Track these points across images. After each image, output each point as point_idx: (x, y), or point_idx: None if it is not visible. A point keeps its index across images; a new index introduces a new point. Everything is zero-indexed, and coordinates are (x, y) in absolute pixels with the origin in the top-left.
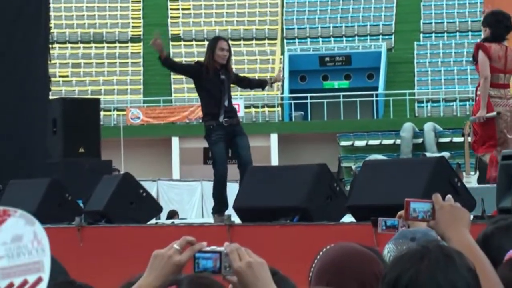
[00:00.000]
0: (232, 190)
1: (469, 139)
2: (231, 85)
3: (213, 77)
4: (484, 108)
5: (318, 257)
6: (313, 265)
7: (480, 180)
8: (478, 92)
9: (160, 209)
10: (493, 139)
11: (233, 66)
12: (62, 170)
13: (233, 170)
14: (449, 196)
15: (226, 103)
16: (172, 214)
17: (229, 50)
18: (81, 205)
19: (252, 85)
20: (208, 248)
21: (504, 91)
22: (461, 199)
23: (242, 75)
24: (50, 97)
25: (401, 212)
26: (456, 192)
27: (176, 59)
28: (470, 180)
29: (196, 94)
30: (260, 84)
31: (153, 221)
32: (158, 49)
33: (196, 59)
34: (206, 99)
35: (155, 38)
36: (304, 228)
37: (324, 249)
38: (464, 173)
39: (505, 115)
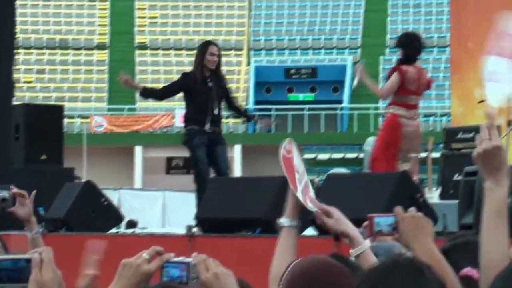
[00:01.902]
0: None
1: (432, 154)
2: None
3: (201, 86)
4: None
5: (288, 269)
6: (283, 276)
7: (442, 196)
8: (390, 110)
9: (121, 218)
10: (394, 147)
11: None
12: (23, 176)
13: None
14: (411, 208)
15: (216, 111)
16: (132, 224)
17: (219, 56)
18: (42, 212)
19: (233, 109)
20: (176, 259)
21: (414, 111)
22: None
23: (234, 96)
24: (14, 103)
25: (366, 223)
26: (418, 207)
27: (141, 68)
28: (432, 195)
29: (161, 103)
30: (241, 113)
31: (114, 230)
32: (131, 86)
33: (162, 68)
34: (193, 106)
35: (121, 78)
36: (266, 240)
37: (295, 261)
38: (426, 189)
39: (409, 136)
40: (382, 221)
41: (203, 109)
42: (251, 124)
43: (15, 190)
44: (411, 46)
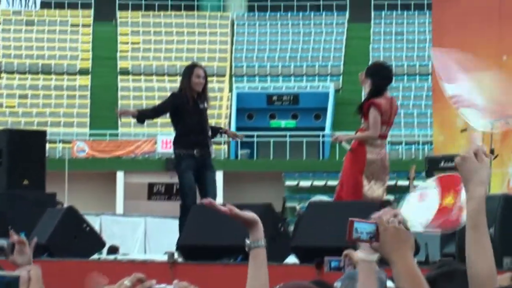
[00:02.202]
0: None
1: (414, 182)
2: None
3: (193, 106)
4: (348, 139)
5: None
6: None
7: None
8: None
9: (103, 244)
10: (360, 182)
11: None
12: (5, 202)
13: (175, 207)
14: (392, 219)
15: (209, 133)
16: (113, 250)
17: (205, 78)
18: (24, 237)
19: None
20: (158, 286)
21: (382, 141)
22: None
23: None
24: None
25: (347, 251)
26: None
27: (124, 93)
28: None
29: (144, 129)
30: (216, 132)
31: (95, 256)
32: (128, 115)
33: (144, 94)
34: (182, 127)
35: (117, 112)
36: (247, 268)
37: (278, 286)
38: None
39: (374, 163)
40: (362, 227)
41: (194, 131)
42: (232, 150)
43: (14, 237)
44: (380, 76)
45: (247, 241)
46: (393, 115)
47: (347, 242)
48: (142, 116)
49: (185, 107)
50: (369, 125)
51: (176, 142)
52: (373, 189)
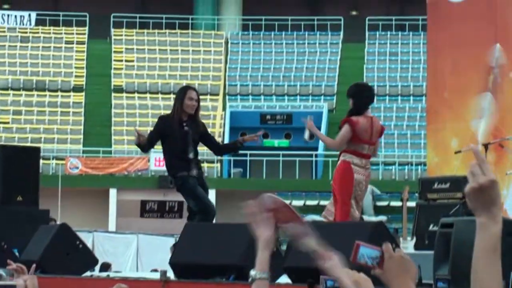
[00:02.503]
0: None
1: (408, 204)
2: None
3: (178, 128)
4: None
5: None
6: None
7: (417, 246)
8: (342, 157)
9: (96, 261)
10: (348, 202)
11: None
12: None
13: (168, 224)
14: (399, 249)
15: (191, 155)
16: (106, 266)
17: (198, 100)
18: (17, 254)
19: (223, 151)
20: None
21: (366, 161)
22: None
23: (216, 139)
24: None
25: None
26: None
27: (117, 110)
28: (407, 245)
29: (135, 147)
30: (233, 147)
31: (88, 273)
32: (142, 139)
33: (137, 111)
34: (170, 150)
35: (136, 133)
36: (240, 287)
37: None
38: (401, 238)
39: (361, 183)
40: (367, 252)
41: (180, 154)
42: (225, 169)
43: (12, 265)
44: (360, 96)
45: (252, 272)
46: (375, 135)
47: (351, 264)
48: (147, 147)
49: (171, 129)
50: (337, 136)
51: (172, 167)
52: (354, 209)
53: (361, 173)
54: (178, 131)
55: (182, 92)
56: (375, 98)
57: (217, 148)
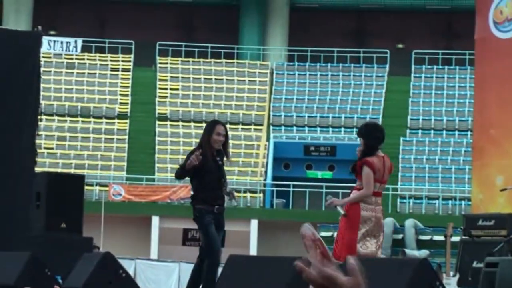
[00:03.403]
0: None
1: (452, 239)
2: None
3: (212, 161)
4: (344, 204)
5: None
6: None
7: (460, 283)
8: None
9: None
10: (354, 242)
11: None
12: (43, 244)
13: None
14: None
15: (223, 189)
16: None
17: (226, 136)
18: (60, 281)
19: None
20: None
21: (376, 198)
22: None
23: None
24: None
25: None
26: None
27: (161, 138)
28: (450, 282)
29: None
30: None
31: None
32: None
33: (181, 140)
34: (201, 183)
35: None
36: None
37: None
38: (444, 275)
39: (369, 220)
40: None
41: (212, 187)
42: (268, 199)
43: None
44: (371, 136)
45: None
46: (386, 173)
47: None
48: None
49: (204, 163)
50: (363, 184)
51: (195, 198)
52: (366, 246)
53: (369, 209)
54: (212, 165)
55: (211, 127)
56: (420, 132)
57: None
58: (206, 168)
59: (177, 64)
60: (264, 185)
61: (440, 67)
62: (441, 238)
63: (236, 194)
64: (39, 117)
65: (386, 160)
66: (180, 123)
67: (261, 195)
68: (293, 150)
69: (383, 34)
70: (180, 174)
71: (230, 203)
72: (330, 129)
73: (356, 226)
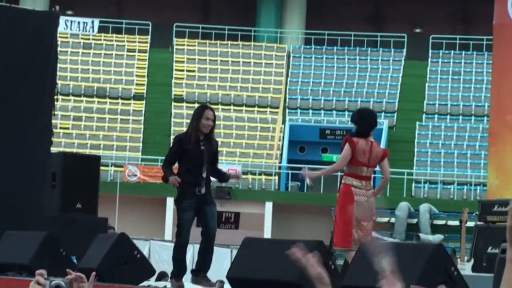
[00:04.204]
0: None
1: (467, 225)
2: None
3: (194, 147)
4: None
5: None
6: None
7: (475, 268)
8: (343, 181)
9: (153, 271)
10: (349, 226)
11: (233, 132)
12: (58, 224)
13: (224, 235)
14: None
15: (204, 174)
16: (162, 276)
17: (214, 120)
18: (75, 261)
19: (213, 173)
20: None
21: (365, 182)
22: None
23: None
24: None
25: None
26: (452, 281)
27: (177, 120)
28: (465, 267)
29: None
30: (219, 176)
31: (145, 282)
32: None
33: None
34: (185, 168)
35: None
36: None
37: None
38: (459, 259)
39: (362, 205)
40: None
41: (194, 173)
42: (283, 182)
43: (72, 275)
44: (362, 122)
45: None
46: (373, 159)
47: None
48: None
49: (188, 147)
50: (339, 158)
51: (182, 181)
52: (360, 230)
53: (362, 194)
54: (195, 150)
55: (200, 111)
56: (436, 117)
57: (212, 169)
58: (188, 154)
59: (194, 46)
60: (279, 167)
61: (458, 52)
62: (456, 223)
63: (241, 175)
64: (55, 97)
65: (375, 145)
66: (196, 105)
67: (276, 177)
68: (309, 133)
69: (400, 19)
70: (164, 180)
71: (240, 185)
72: (346, 113)
73: (351, 212)
